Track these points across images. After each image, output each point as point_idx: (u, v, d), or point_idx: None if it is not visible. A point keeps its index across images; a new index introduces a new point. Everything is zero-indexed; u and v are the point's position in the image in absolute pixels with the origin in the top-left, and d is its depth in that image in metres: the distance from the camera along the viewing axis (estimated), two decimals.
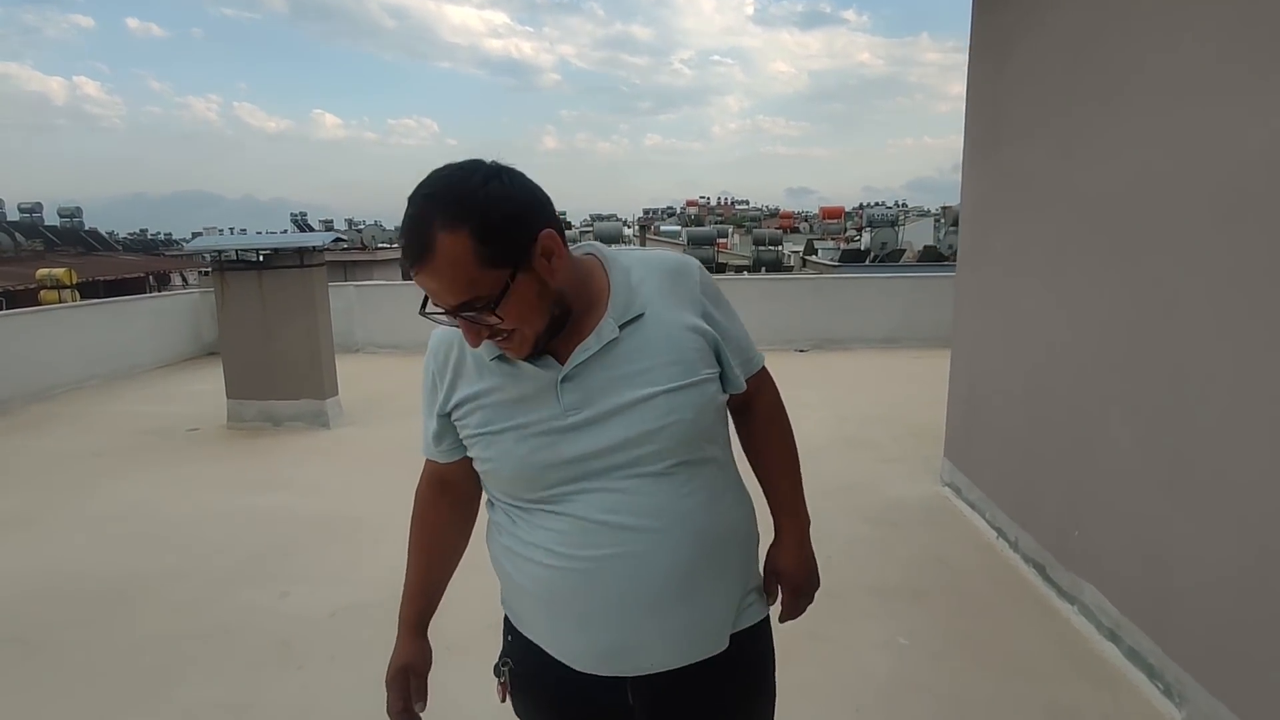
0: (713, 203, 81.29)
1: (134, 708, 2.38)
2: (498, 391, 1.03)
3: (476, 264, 0.88)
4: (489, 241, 0.88)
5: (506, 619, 1.16)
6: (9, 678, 2.55)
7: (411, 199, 0.90)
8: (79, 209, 30.58)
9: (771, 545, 1.25)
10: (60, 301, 19.43)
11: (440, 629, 1.23)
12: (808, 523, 1.28)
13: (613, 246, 1.17)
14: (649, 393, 0.99)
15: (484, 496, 1.17)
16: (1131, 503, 2.44)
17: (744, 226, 40.78)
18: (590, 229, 32.21)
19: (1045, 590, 2.93)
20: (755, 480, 1.24)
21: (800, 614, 1.28)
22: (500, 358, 1.02)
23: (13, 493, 4.39)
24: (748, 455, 1.25)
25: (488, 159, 0.94)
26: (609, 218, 45.46)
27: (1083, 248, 2.75)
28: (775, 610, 1.24)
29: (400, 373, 7.41)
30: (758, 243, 21.76)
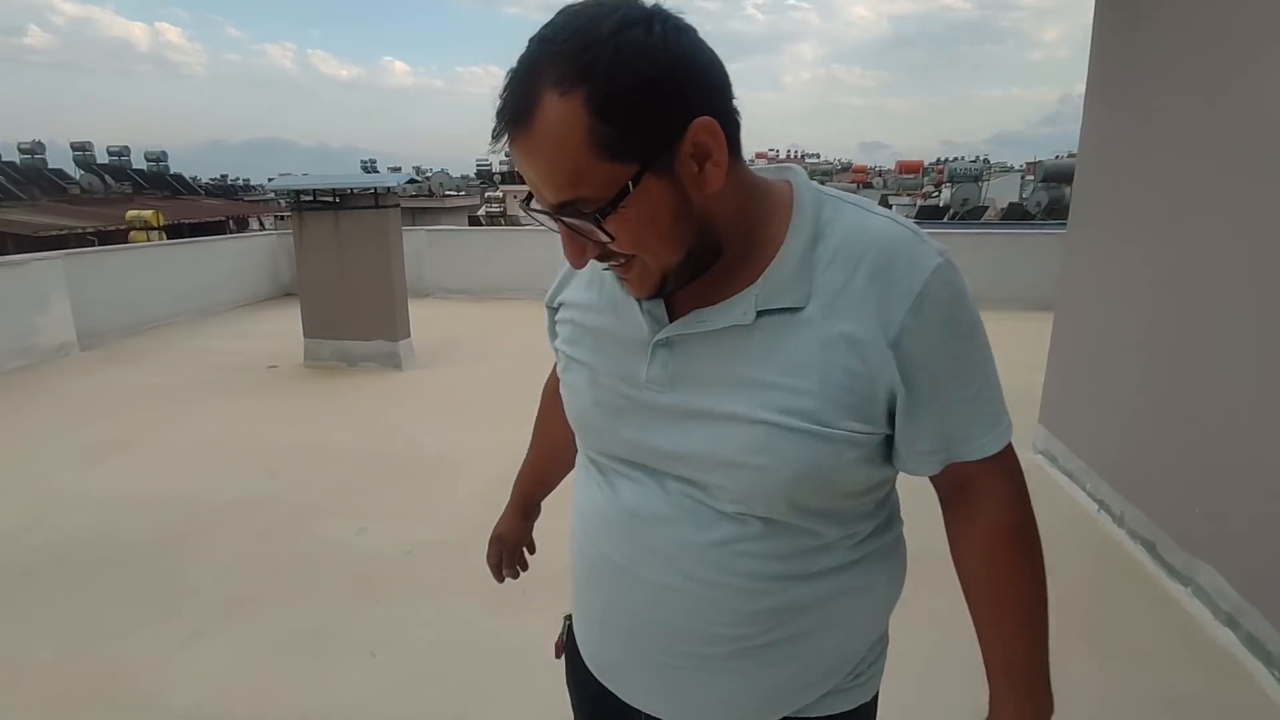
0: (783, 155, 79.15)
1: (219, 628, 2.44)
2: (596, 312, 0.82)
3: (588, 147, 0.61)
4: (611, 117, 0.60)
5: None
6: (105, 596, 2.65)
7: (528, 44, 0.64)
8: (164, 153, 31.71)
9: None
10: (148, 241, 20.34)
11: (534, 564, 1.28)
12: (1046, 712, 0.82)
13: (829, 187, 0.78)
14: (748, 415, 0.71)
15: None
16: (1266, 479, 2.21)
17: (815, 180, 39.39)
18: None
19: (1154, 569, 2.73)
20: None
21: None
22: (612, 280, 0.79)
23: (109, 421, 4.58)
24: (960, 578, 0.84)
25: None
26: None
27: (1224, 198, 2.46)
28: None
29: (470, 318, 7.44)
30: None
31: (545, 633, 1.05)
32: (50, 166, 28.23)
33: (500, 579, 1.23)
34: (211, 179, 43.24)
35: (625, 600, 0.82)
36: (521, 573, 1.24)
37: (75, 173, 28.82)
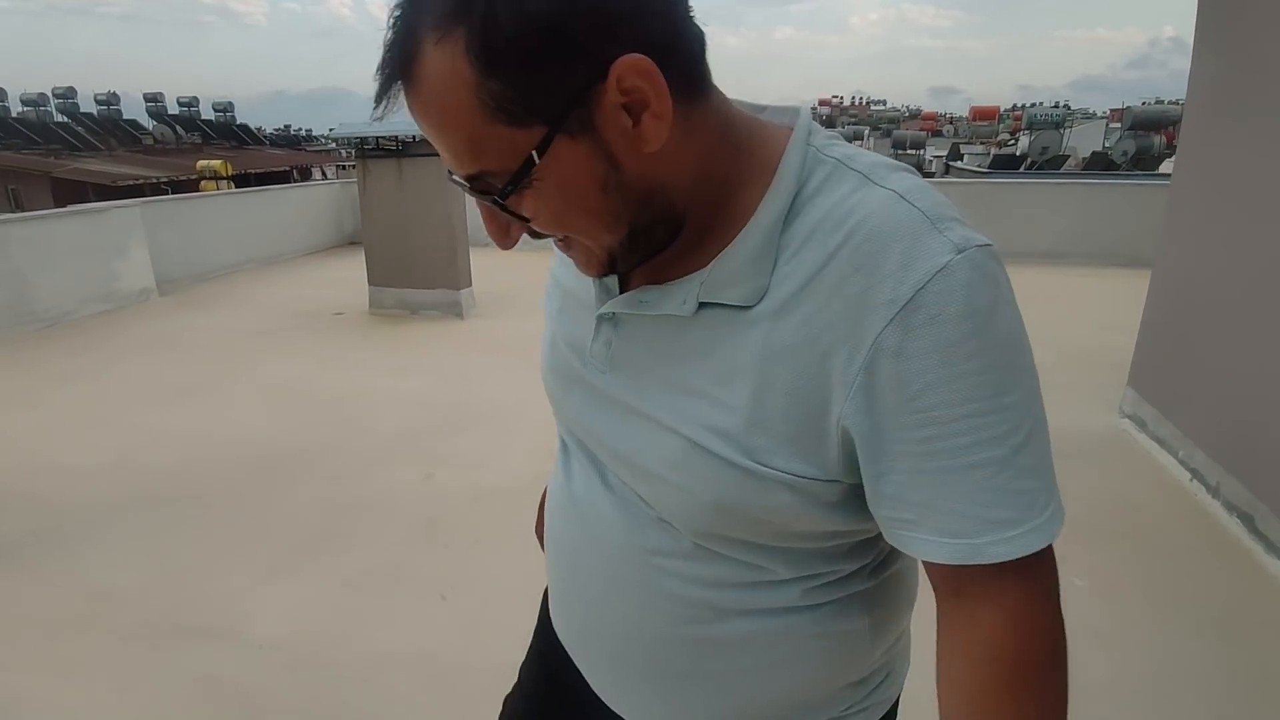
0: (846, 102, 76.04)
1: (294, 565, 2.52)
2: (569, 267, 0.68)
3: (477, 109, 0.47)
4: (498, 67, 0.46)
5: None
6: (187, 530, 2.76)
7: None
8: (231, 104, 32.37)
9: None
10: (218, 190, 20.95)
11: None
12: None
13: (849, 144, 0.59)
14: (670, 423, 0.58)
15: None
16: None
17: (880, 128, 37.94)
18: None
19: (1251, 543, 2.56)
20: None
21: None
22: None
23: (185, 365, 4.75)
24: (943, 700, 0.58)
25: None
26: None
27: None
28: None
29: (529, 268, 7.40)
30: (896, 146, 20.09)
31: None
32: (125, 117, 29.15)
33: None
34: (275, 129, 44.10)
35: (578, 588, 0.73)
36: None
37: (148, 123, 29.70)
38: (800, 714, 0.69)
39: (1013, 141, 24.38)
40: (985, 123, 32.73)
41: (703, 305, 0.56)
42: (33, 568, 2.53)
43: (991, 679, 0.53)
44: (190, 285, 7.09)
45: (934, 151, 24.24)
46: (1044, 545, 0.51)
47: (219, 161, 22.34)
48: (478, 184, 0.52)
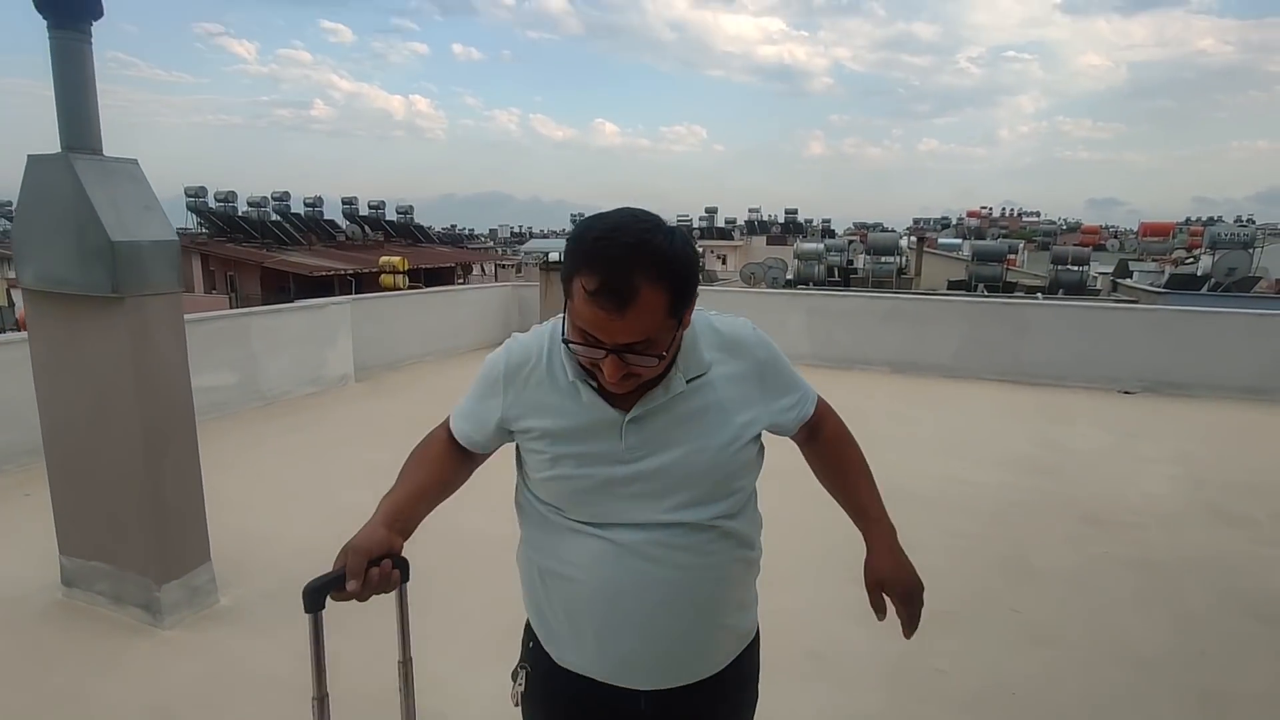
0: (996, 213, 73.91)
1: (504, 652, 2.67)
2: (566, 417, 1.11)
3: (666, 315, 0.99)
4: (679, 299, 1.00)
5: (528, 626, 1.27)
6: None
7: (608, 242, 0.96)
8: (411, 207, 36.28)
9: (867, 557, 1.28)
10: (394, 283, 23.19)
11: (459, 632, 1.38)
12: (894, 529, 1.30)
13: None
14: (702, 444, 1.10)
15: (517, 509, 1.27)
16: None
17: (1034, 241, 36.45)
18: (855, 237, 31.03)
19: None
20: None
21: (918, 621, 1.25)
22: (574, 383, 1.09)
23: (381, 448, 5.24)
24: (821, 477, 1.36)
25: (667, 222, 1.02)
26: (875, 226, 43.54)
27: None
28: (890, 622, 1.26)
29: None
30: (1056, 261, 19.15)
31: (493, 688, 1.05)
32: (325, 217, 33.31)
33: (367, 588, 1.09)
34: (443, 228, 48.77)
35: (635, 605, 1.13)
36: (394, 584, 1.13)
37: (343, 223, 33.75)
38: (745, 614, 1.25)
39: (1191, 260, 22.65)
40: (1157, 239, 30.63)
41: (688, 381, 1.11)
42: (271, 632, 2.84)
43: (846, 437, 1.33)
44: (381, 373, 7.86)
45: (1099, 268, 22.91)
46: (816, 399, 1.29)
47: (398, 258, 24.87)
48: (631, 349, 0.99)
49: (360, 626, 2.12)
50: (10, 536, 3.69)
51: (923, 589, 1.25)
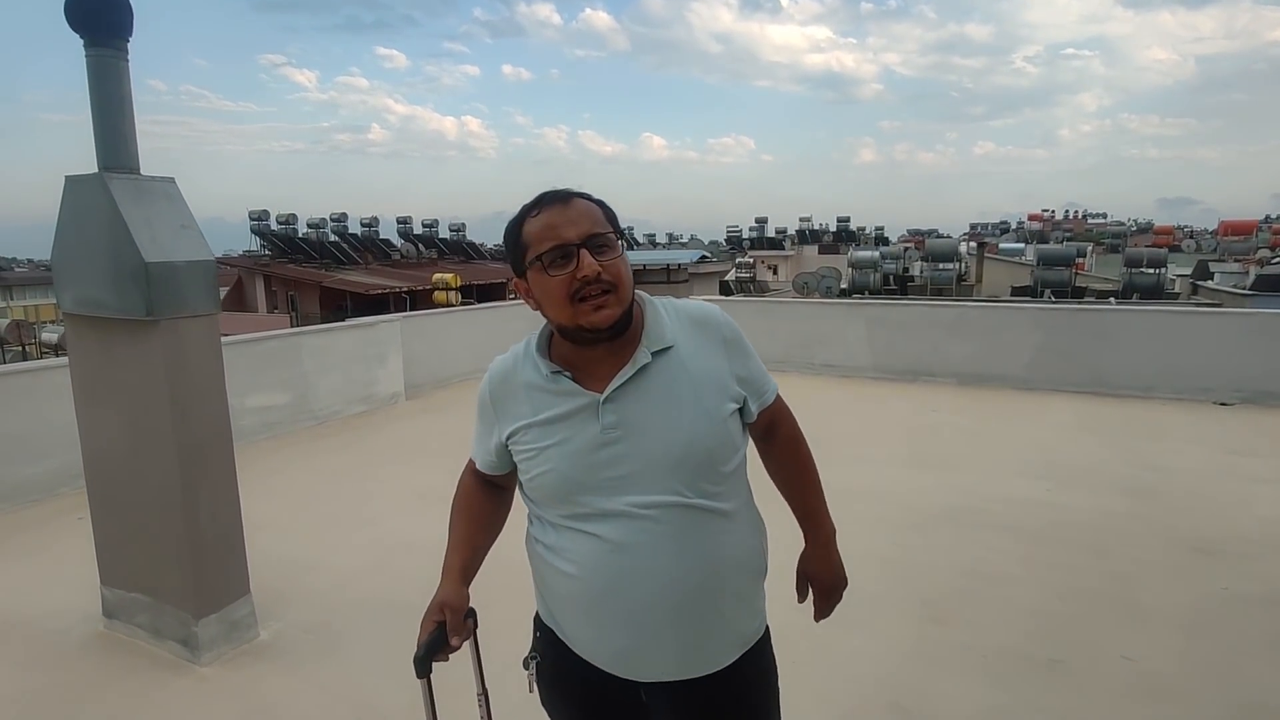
0: (1058, 216, 70.91)
1: None
2: (546, 409, 1.19)
3: (603, 219, 1.17)
4: (608, 213, 1.19)
5: (537, 616, 1.33)
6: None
7: (537, 196, 1.19)
8: (464, 225, 36.90)
9: (804, 551, 1.39)
10: (447, 299, 23.50)
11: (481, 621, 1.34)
12: (833, 530, 1.40)
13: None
14: (677, 418, 1.15)
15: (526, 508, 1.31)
16: None
17: (1103, 244, 34.79)
18: (911, 247, 30.15)
19: None
20: (769, 504, 1.36)
21: (830, 613, 1.40)
22: (549, 377, 1.19)
23: (432, 471, 5.13)
24: (771, 474, 1.39)
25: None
26: (929, 233, 42.17)
27: None
28: (807, 608, 1.39)
29: None
30: (1130, 264, 18.10)
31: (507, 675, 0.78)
32: (380, 237, 34.11)
33: (453, 646, 1.26)
34: (495, 245, 49.49)
35: (627, 595, 1.18)
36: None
37: (398, 242, 34.46)
38: (755, 605, 1.30)
39: (1277, 259, 21.26)
40: (1238, 238, 28.75)
41: (653, 354, 1.18)
42: (311, 670, 2.69)
43: (797, 437, 1.39)
44: (431, 390, 7.80)
45: (1176, 270, 21.65)
46: (777, 391, 1.34)
47: (450, 275, 25.23)
48: (596, 238, 1.14)
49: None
50: (60, 563, 3.65)
51: (845, 586, 1.40)
